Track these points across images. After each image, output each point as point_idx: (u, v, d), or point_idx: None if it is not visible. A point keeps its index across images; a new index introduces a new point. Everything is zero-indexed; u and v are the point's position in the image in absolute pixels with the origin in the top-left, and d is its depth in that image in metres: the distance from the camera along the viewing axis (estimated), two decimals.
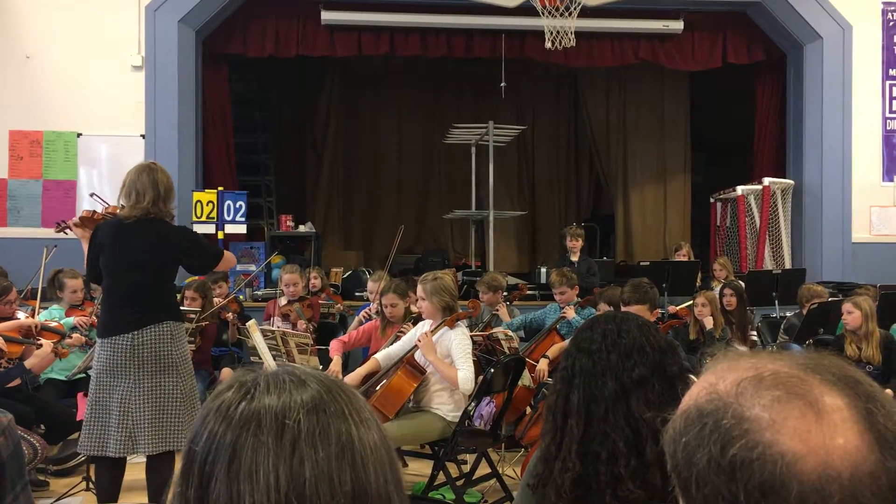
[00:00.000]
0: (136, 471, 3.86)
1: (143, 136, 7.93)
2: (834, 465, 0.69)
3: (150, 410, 3.58)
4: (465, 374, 4.05)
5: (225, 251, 4.05)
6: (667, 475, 0.80)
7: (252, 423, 0.77)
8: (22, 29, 7.89)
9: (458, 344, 4.13)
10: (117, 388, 3.60)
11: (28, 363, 4.42)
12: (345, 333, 5.70)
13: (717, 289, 6.54)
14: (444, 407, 4.16)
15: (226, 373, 5.72)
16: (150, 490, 3.71)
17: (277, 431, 0.76)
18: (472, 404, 4.22)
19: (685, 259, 7.96)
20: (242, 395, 0.80)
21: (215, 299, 6.02)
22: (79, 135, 7.94)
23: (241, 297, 7.45)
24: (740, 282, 6.53)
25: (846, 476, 0.69)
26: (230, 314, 6.07)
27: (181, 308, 5.38)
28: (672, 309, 5.94)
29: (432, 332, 4.19)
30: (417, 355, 4.22)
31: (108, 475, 3.67)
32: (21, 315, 4.89)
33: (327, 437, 0.77)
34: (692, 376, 1.88)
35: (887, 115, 8.72)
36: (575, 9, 6.78)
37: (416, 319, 4.74)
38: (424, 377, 4.16)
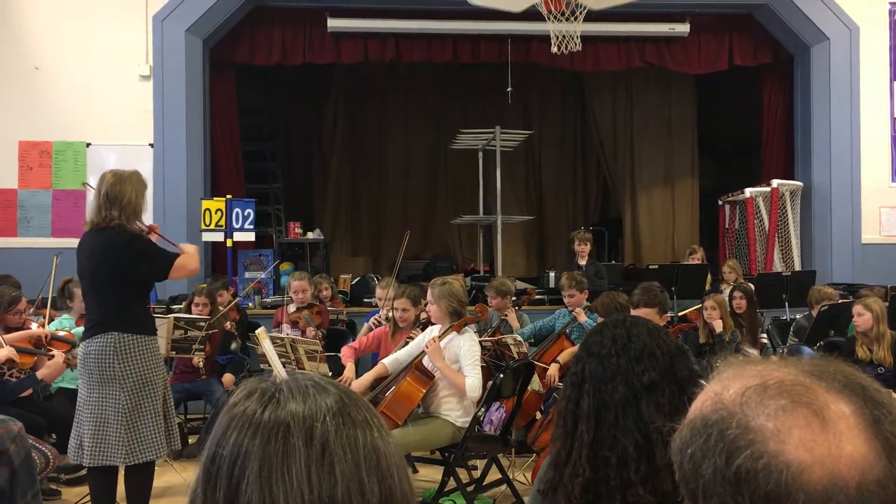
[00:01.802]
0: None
1: (151, 146, 7.96)
2: (840, 475, 0.68)
3: (93, 421, 3.58)
4: (473, 382, 4.05)
5: (182, 256, 3.72)
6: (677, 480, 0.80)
7: (281, 428, 0.79)
8: (30, 40, 7.95)
9: (466, 350, 4.13)
10: (81, 395, 3.69)
11: (40, 374, 4.44)
12: (354, 340, 5.71)
13: (727, 291, 6.51)
14: (454, 413, 4.16)
15: (228, 379, 5.72)
16: (129, 500, 3.72)
17: (307, 435, 0.78)
18: (482, 410, 4.22)
19: (698, 263, 7.90)
20: (267, 401, 0.82)
21: (219, 307, 6.03)
22: (88, 144, 7.99)
23: (249, 304, 7.47)
24: (750, 284, 6.50)
25: (853, 485, 0.68)
26: (228, 323, 6.07)
27: (189, 316, 5.44)
28: (682, 313, 5.91)
29: (440, 337, 4.20)
30: (426, 360, 4.22)
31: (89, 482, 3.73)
32: (34, 325, 4.91)
33: (355, 441, 0.79)
34: (702, 381, 1.87)
35: None
36: (580, 13, 6.78)
37: (425, 325, 4.75)
38: (433, 382, 4.16)
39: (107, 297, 3.62)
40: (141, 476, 3.66)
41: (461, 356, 4.13)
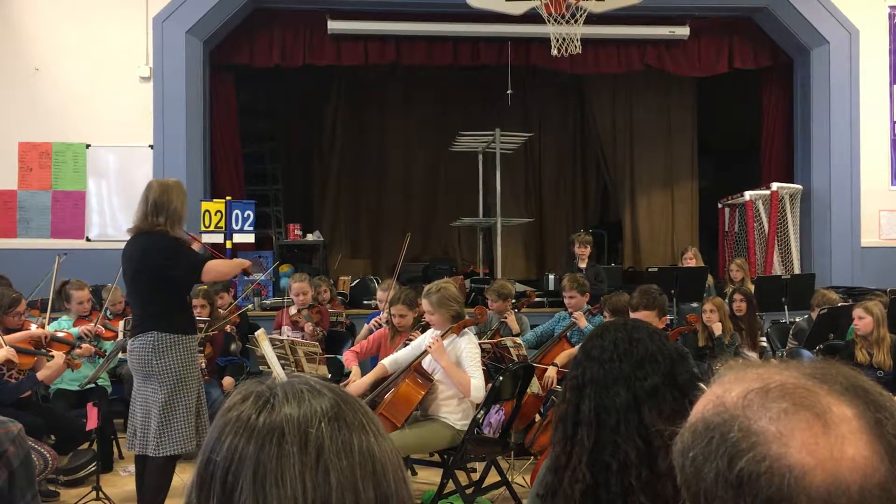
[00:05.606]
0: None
1: (151, 147, 7.96)
2: (843, 478, 0.68)
3: (140, 414, 3.86)
4: (477, 383, 4.05)
5: (211, 262, 3.95)
6: (678, 486, 0.79)
7: (275, 433, 0.77)
8: (30, 42, 7.94)
9: (468, 352, 4.13)
10: (134, 388, 3.97)
11: (40, 375, 4.44)
12: (353, 341, 5.71)
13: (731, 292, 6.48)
14: (453, 416, 4.16)
15: (227, 382, 5.71)
16: (146, 491, 3.87)
17: (301, 441, 0.77)
18: (482, 412, 4.21)
19: (692, 263, 7.86)
20: (262, 406, 0.80)
21: (218, 310, 6.02)
22: (87, 146, 7.98)
23: (249, 306, 7.45)
24: (749, 287, 6.49)
25: (855, 489, 0.68)
26: (229, 326, 6.07)
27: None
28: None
29: (441, 338, 4.19)
30: (425, 362, 4.21)
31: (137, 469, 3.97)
32: (33, 327, 4.91)
33: (350, 446, 0.78)
34: (702, 385, 1.86)
35: (895, 118, 8.69)
36: (581, 16, 6.78)
37: (425, 327, 4.74)
38: (432, 385, 4.15)
39: (147, 297, 3.85)
40: (162, 470, 3.83)
41: (462, 358, 4.13)
